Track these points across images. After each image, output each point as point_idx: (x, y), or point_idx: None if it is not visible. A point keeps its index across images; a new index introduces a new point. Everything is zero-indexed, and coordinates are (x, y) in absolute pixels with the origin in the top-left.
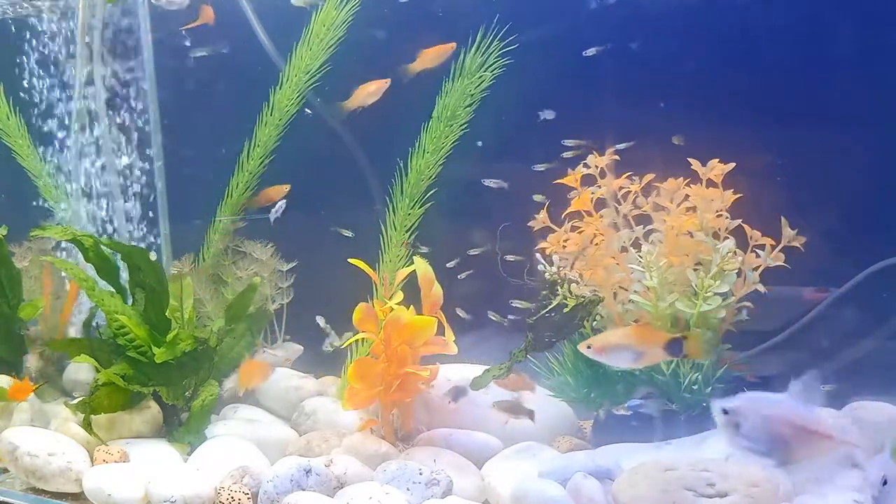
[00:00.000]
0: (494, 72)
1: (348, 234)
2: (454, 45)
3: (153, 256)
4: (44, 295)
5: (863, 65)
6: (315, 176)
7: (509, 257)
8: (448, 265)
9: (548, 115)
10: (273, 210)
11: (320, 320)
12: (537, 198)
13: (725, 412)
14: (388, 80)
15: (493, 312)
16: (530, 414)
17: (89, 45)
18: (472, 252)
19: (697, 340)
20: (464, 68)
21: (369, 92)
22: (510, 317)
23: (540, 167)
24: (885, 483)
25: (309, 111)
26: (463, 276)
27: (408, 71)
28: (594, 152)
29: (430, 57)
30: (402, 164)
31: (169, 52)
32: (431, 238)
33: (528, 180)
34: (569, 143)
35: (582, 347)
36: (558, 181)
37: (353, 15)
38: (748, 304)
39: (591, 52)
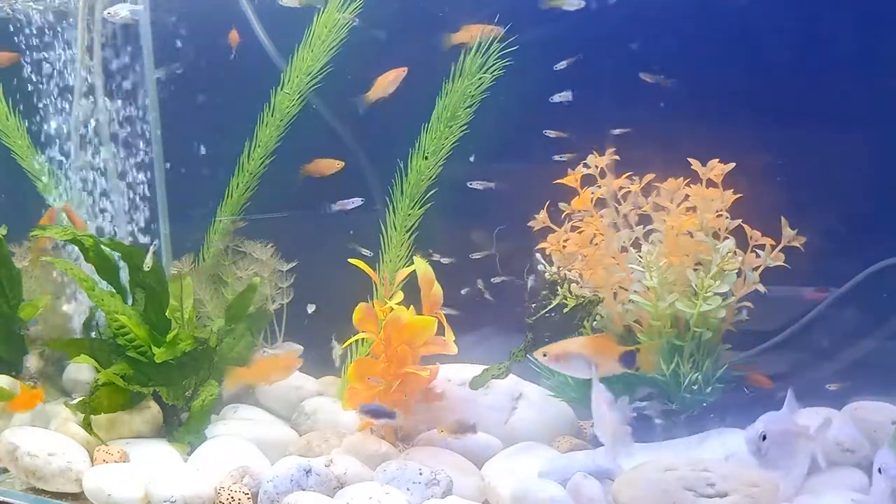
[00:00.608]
0: (495, 73)
1: (368, 252)
2: (498, 28)
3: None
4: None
5: (863, 65)
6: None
7: (498, 280)
8: (443, 261)
9: (562, 97)
10: (340, 203)
11: (311, 307)
12: (566, 206)
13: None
14: (406, 69)
15: (481, 282)
16: (473, 428)
17: (89, 45)
18: (476, 255)
19: (650, 353)
20: (463, 69)
21: (389, 81)
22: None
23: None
24: (763, 438)
25: (314, 107)
26: (464, 291)
27: (449, 41)
28: (594, 152)
29: (471, 33)
30: (402, 165)
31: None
32: (431, 238)
33: (527, 180)
34: (550, 133)
35: (538, 355)
36: (558, 181)
37: (354, 17)
38: (748, 304)
39: (562, 65)
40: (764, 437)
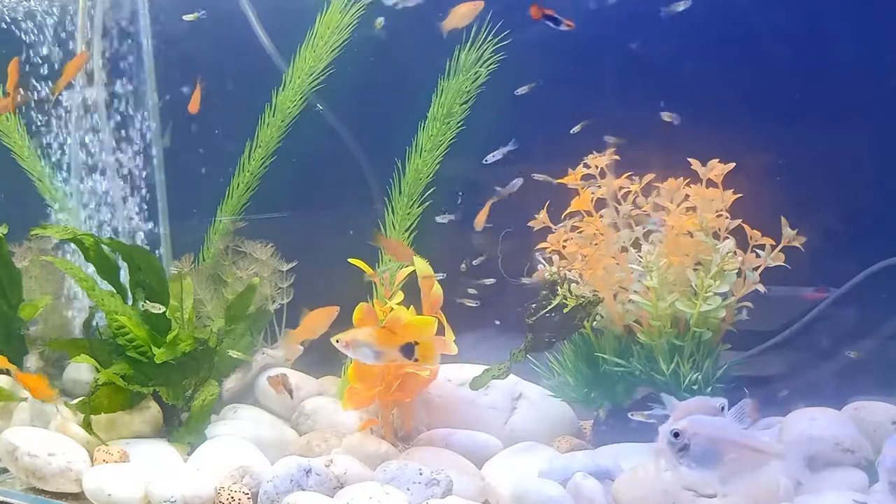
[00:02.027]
0: (490, 68)
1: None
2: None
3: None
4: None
5: (863, 64)
6: (314, 176)
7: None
8: (439, 219)
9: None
10: (504, 189)
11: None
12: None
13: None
14: (482, 3)
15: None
16: (290, 393)
17: (89, 44)
18: (476, 261)
19: (427, 347)
20: (458, 65)
21: (463, 13)
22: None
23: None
24: (676, 436)
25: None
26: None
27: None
28: (594, 152)
29: None
30: (399, 164)
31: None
32: (431, 238)
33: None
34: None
35: (333, 340)
36: (559, 181)
37: (357, 18)
38: (748, 304)
39: (522, 90)
40: (676, 435)
